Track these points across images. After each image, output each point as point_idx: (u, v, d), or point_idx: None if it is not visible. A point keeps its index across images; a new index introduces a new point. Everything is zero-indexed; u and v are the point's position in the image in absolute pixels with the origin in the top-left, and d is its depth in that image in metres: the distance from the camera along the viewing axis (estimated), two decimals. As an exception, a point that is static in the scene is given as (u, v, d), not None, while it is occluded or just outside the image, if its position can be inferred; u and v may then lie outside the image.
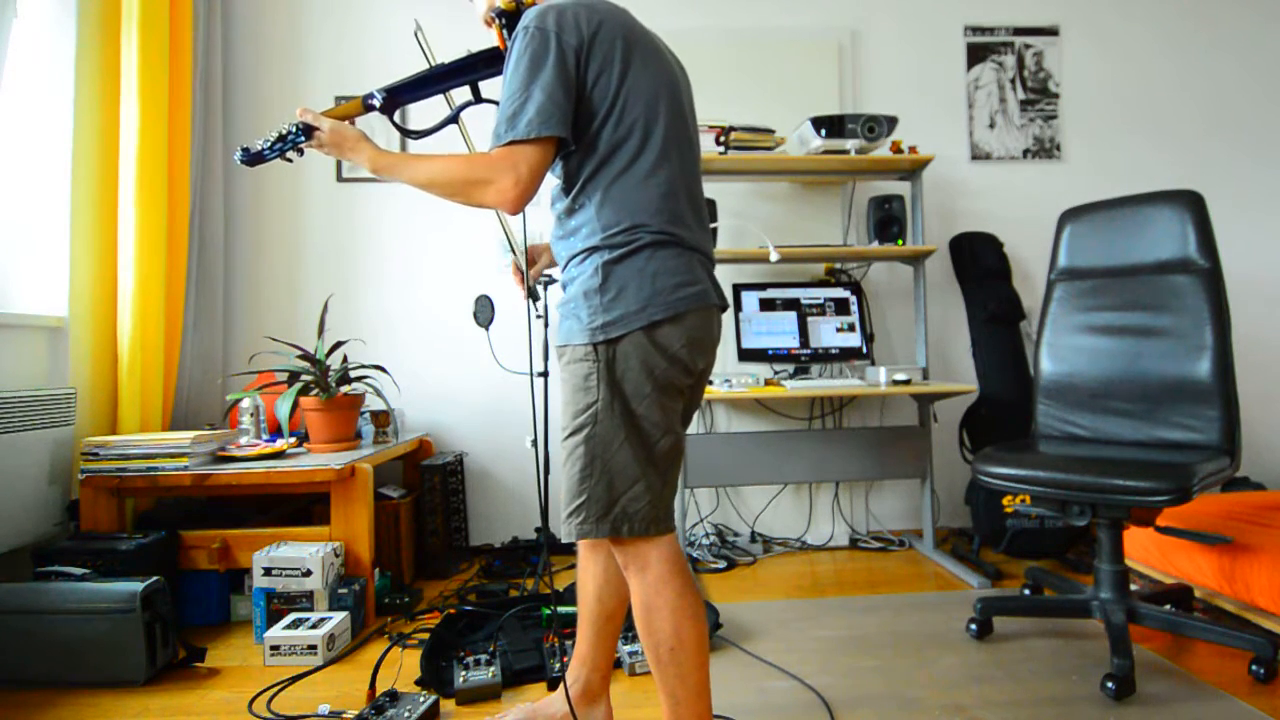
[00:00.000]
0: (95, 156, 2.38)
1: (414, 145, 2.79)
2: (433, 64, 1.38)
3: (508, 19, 1.25)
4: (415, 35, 1.52)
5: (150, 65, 2.39)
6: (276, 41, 2.90)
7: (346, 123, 1.28)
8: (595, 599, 1.40)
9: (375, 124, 1.48)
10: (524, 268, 1.52)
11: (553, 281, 2.58)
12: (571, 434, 1.16)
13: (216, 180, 2.77)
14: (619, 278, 1.14)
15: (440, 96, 1.41)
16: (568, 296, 1.20)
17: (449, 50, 1.46)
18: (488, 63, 1.33)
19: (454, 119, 1.40)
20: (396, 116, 1.36)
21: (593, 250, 1.16)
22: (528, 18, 1.15)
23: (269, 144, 1.27)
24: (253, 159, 1.28)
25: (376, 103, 1.30)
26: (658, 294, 1.14)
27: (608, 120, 1.16)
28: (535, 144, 1.10)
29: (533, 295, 1.55)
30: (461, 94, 1.38)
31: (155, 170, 2.41)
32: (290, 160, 1.31)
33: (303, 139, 1.26)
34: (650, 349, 1.14)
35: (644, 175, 1.17)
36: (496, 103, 1.29)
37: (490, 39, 1.32)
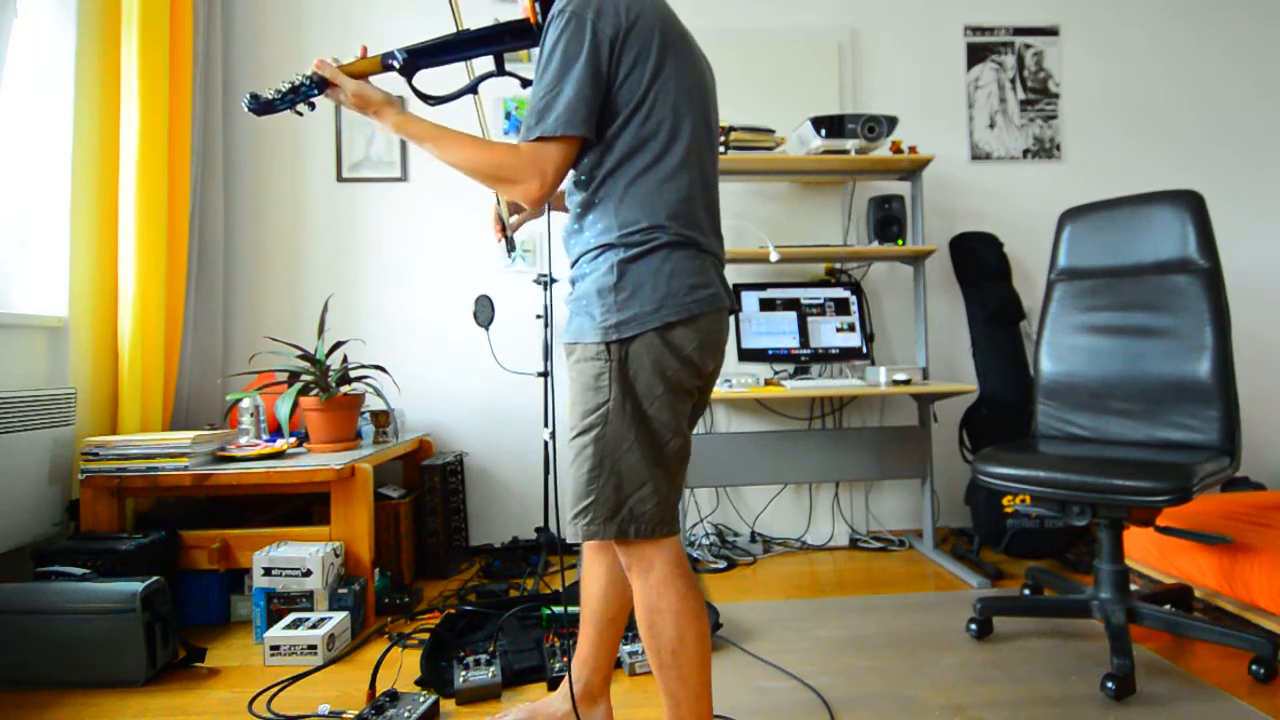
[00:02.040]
0: (95, 157, 2.38)
1: (428, 111, 2.77)
2: (460, 26, 1.35)
3: None
4: None
5: (150, 65, 2.39)
6: (276, 42, 2.90)
7: (367, 83, 1.24)
8: (599, 599, 1.39)
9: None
10: (505, 217, 1.48)
11: (553, 281, 2.59)
12: (581, 433, 1.15)
13: (216, 180, 2.77)
14: (634, 276, 1.13)
15: (460, 65, 1.37)
16: (579, 293, 1.19)
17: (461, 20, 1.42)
18: (514, 35, 1.29)
19: (473, 89, 1.37)
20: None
21: (608, 247, 1.15)
22: (564, 0, 1.13)
23: (280, 94, 1.23)
24: (262, 108, 1.23)
25: (396, 64, 1.26)
26: (672, 295, 1.13)
27: (634, 117, 1.14)
28: (561, 142, 1.10)
29: (510, 245, 1.53)
30: (484, 64, 1.35)
31: (155, 170, 2.41)
32: (301, 114, 1.27)
33: (316, 92, 1.23)
34: (663, 350, 1.13)
35: (665, 177, 1.15)
36: (517, 76, 1.27)
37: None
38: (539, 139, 1.09)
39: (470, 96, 1.40)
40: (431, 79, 1.35)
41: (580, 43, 1.09)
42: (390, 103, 1.22)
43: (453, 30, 1.34)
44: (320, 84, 1.22)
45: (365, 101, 1.22)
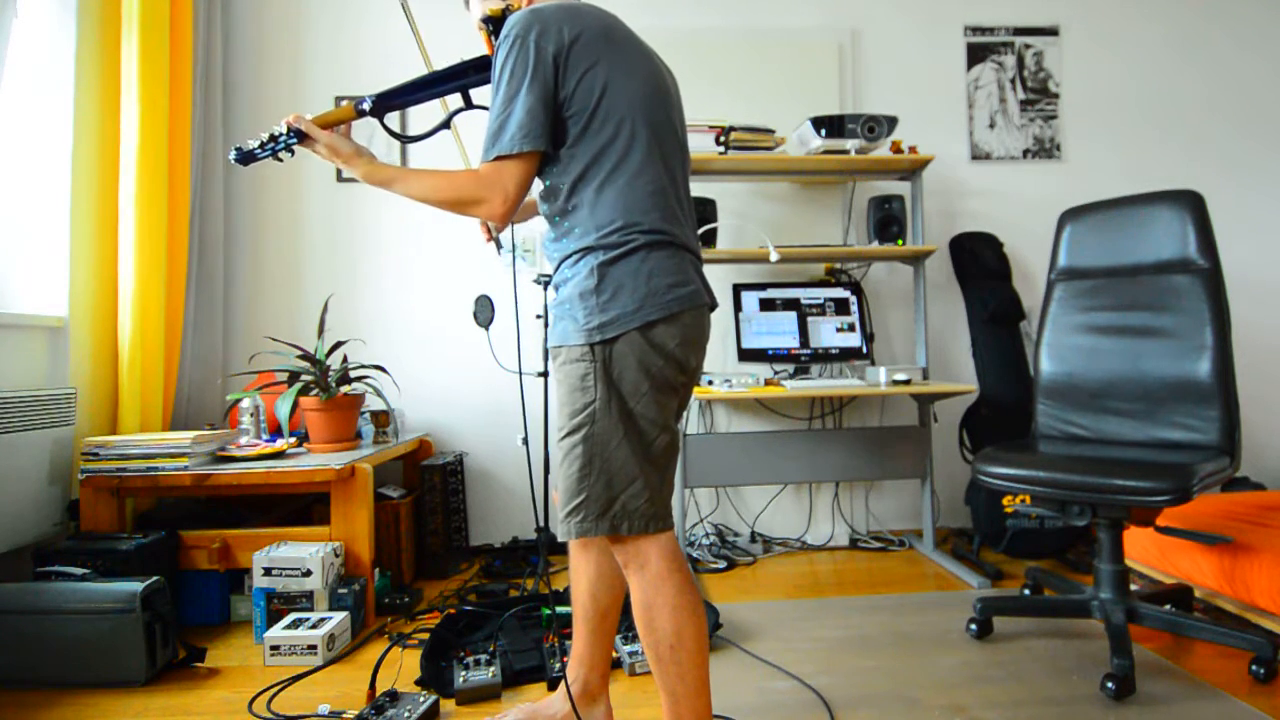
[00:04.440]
0: (95, 156, 2.38)
1: (408, 149, 2.79)
2: (418, 36, 1.39)
3: (494, 25, 1.27)
4: (402, 6, 1.53)
5: (150, 65, 2.39)
6: (276, 41, 2.90)
7: (340, 134, 1.30)
8: (589, 597, 1.40)
9: (376, 126, 1.49)
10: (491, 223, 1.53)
11: (549, 282, 2.59)
12: (569, 434, 1.16)
13: (216, 180, 2.77)
14: (614, 278, 1.15)
15: (437, 101, 1.43)
16: (562, 298, 1.21)
17: (443, 48, 1.45)
18: (478, 69, 1.35)
19: (446, 125, 1.44)
20: (395, 124, 1.38)
21: (587, 251, 1.17)
22: (509, 25, 1.17)
23: (260, 144, 1.31)
24: (245, 158, 1.32)
25: (367, 108, 1.34)
26: (653, 294, 1.15)
27: (592, 122, 1.17)
28: (519, 159, 1.14)
29: (498, 245, 1.58)
30: (455, 100, 1.41)
31: (155, 170, 2.41)
32: (281, 160, 1.34)
33: (294, 140, 1.30)
34: (646, 348, 1.15)
35: (633, 174, 1.18)
36: (486, 108, 1.31)
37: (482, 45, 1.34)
38: (497, 158, 1.14)
39: (447, 132, 1.48)
40: (416, 117, 1.39)
41: (526, 62, 1.13)
42: (359, 153, 1.28)
43: (414, 38, 1.39)
44: (299, 134, 1.30)
45: (336, 152, 1.29)
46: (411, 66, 1.43)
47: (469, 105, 1.40)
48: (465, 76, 1.36)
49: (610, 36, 1.21)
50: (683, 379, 1.22)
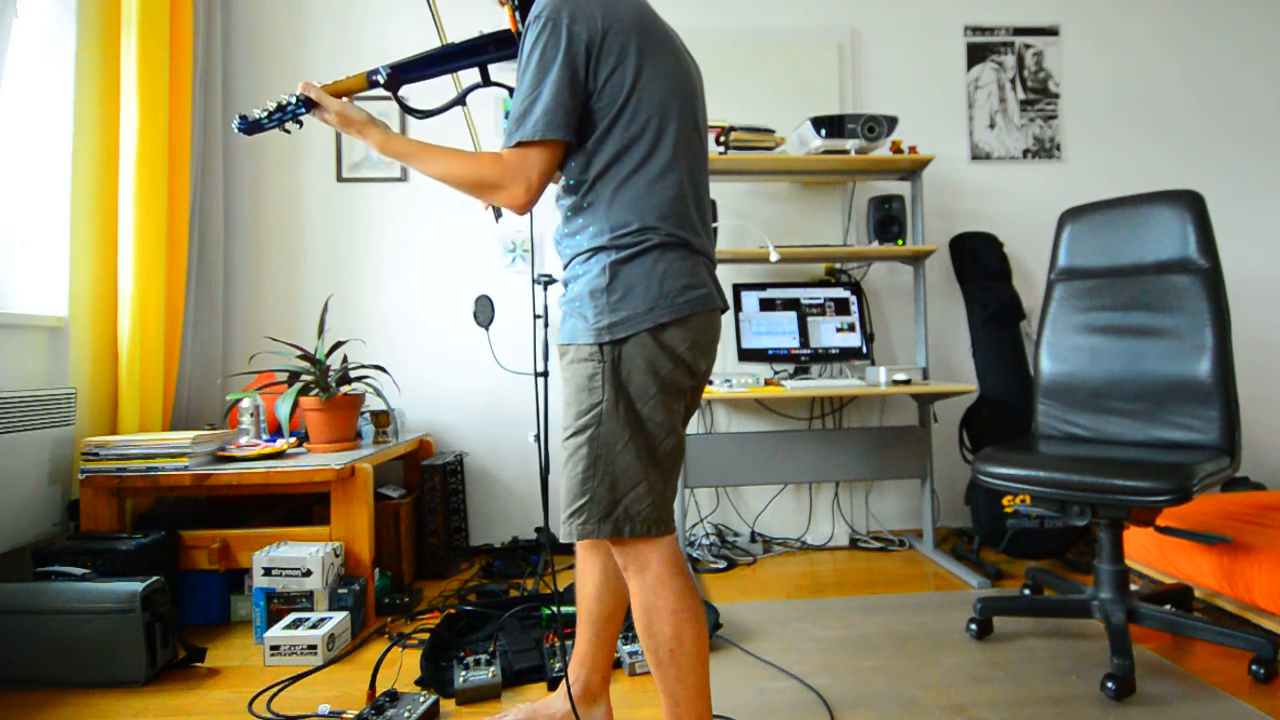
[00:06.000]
0: (95, 156, 2.38)
1: (418, 124, 2.78)
2: (438, 22, 1.35)
3: (520, 1, 1.23)
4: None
5: (150, 65, 2.39)
6: (276, 41, 2.90)
7: (351, 102, 1.26)
8: (594, 599, 1.40)
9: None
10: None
11: (552, 281, 2.59)
12: (574, 434, 1.15)
13: (216, 180, 2.77)
14: (627, 278, 1.13)
15: (448, 77, 1.39)
16: (571, 294, 1.19)
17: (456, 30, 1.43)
18: (498, 45, 1.30)
19: (461, 100, 1.37)
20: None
21: (600, 249, 1.15)
22: (540, 4, 1.13)
23: (267, 113, 1.25)
24: (251, 127, 1.26)
25: (381, 79, 1.28)
26: (665, 296, 1.13)
27: (620, 118, 1.14)
28: (543, 146, 1.11)
29: (497, 213, 1.55)
30: (470, 76, 1.35)
31: (155, 170, 2.41)
32: (289, 131, 1.29)
33: (303, 110, 1.25)
34: (656, 350, 1.13)
35: (655, 177, 1.16)
36: (504, 85, 1.28)
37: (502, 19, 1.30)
38: (519, 144, 1.11)
39: (460, 108, 1.41)
40: (423, 92, 1.35)
41: (556, 47, 1.10)
42: (373, 123, 1.23)
43: (438, 43, 1.35)
44: (307, 103, 1.24)
45: (348, 121, 1.23)
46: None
47: (486, 82, 1.34)
48: (485, 52, 1.30)
49: (644, 29, 1.17)
50: (691, 383, 1.21)
